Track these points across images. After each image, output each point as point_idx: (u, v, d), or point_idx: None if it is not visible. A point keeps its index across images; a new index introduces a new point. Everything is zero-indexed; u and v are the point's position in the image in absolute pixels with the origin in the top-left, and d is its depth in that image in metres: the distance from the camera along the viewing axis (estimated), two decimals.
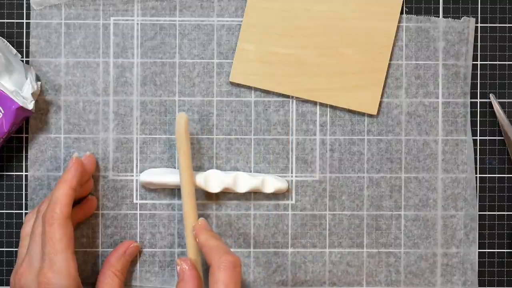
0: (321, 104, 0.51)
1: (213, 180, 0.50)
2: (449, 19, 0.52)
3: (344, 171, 0.52)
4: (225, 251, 0.44)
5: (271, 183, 0.50)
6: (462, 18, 0.52)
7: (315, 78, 0.51)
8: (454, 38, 0.52)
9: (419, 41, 0.52)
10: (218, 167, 0.51)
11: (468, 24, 0.51)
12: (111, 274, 0.48)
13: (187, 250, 0.48)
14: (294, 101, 0.52)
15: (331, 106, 0.51)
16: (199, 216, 0.48)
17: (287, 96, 0.51)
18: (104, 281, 0.48)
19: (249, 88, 0.52)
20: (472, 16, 0.52)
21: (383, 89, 0.51)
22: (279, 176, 0.51)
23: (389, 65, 0.51)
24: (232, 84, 0.51)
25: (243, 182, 0.50)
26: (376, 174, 0.51)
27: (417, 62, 0.52)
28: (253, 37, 0.51)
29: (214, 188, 0.50)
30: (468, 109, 0.52)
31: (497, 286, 0.52)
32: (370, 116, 0.51)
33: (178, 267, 0.46)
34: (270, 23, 0.51)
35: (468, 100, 0.52)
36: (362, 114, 0.52)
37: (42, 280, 0.43)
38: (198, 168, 0.51)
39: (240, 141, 0.52)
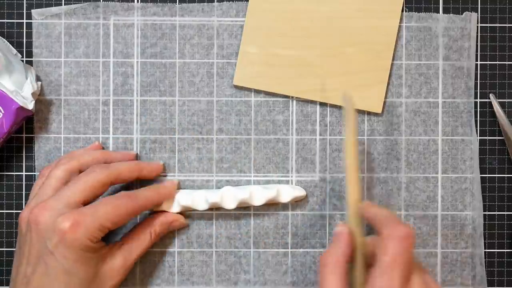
0: (326, 104, 0.51)
1: (228, 197, 0.49)
2: (451, 14, 0.52)
3: None
4: (398, 221, 0.40)
5: (287, 192, 0.50)
6: (464, 13, 0.52)
7: (319, 78, 0.51)
8: (456, 33, 0.52)
9: (421, 38, 0.52)
10: (224, 171, 0.51)
11: (470, 19, 0.52)
12: (148, 233, 0.49)
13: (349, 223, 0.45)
14: (299, 102, 0.52)
15: (336, 106, 0.52)
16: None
17: (292, 97, 0.51)
18: (139, 234, 0.48)
19: (253, 90, 0.51)
20: None
21: (387, 87, 0.52)
22: (282, 176, 0.51)
23: (392, 63, 0.51)
24: (236, 87, 0.51)
25: (259, 195, 0.49)
26: (383, 173, 0.52)
27: (419, 59, 0.52)
28: (256, 39, 0.51)
29: (230, 205, 0.49)
30: (473, 103, 0.52)
31: (497, 286, 0.52)
32: (375, 114, 0.52)
33: (338, 228, 0.43)
34: (272, 25, 0.51)
35: (473, 93, 0.52)
36: (367, 113, 0.52)
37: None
38: (205, 171, 0.51)
39: (246, 144, 0.51)
